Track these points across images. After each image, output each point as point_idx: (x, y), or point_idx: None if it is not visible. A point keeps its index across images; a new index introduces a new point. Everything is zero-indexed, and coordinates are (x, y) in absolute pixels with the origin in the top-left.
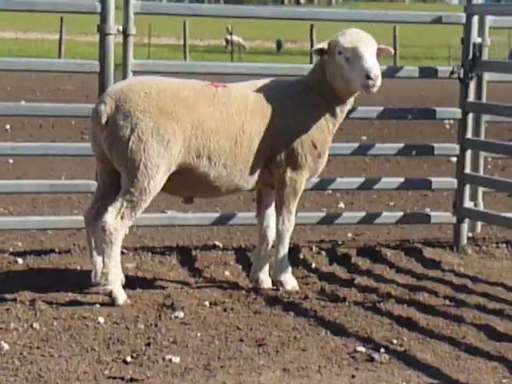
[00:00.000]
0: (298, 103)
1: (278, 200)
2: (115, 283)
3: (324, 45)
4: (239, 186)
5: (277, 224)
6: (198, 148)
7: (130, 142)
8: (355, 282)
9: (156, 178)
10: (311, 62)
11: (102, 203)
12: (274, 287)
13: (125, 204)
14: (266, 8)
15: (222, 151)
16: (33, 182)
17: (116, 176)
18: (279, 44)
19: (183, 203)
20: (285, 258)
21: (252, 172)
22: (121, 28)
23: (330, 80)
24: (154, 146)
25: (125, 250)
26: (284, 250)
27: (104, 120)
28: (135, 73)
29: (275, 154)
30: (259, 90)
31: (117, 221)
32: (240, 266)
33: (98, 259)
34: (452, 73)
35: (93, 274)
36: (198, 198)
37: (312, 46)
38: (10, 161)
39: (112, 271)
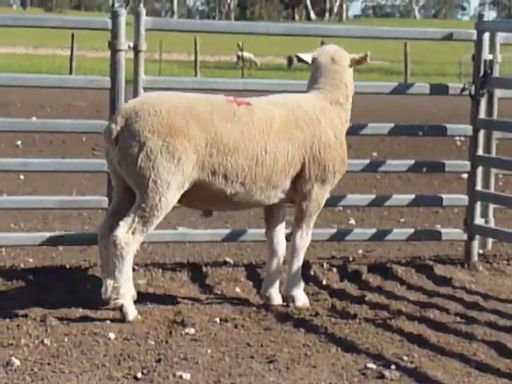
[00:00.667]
0: (329, 119)
1: (300, 214)
2: (126, 298)
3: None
4: (261, 202)
5: (294, 238)
6: (213, 166)
7: (139, 160)
8: (366, 298)
9: (167, 195)
10: None
11: (116, 219)
12: (285, 304)
13: (136, 219)
14: (279, 25)
15: (240, 170)
16: (43, 198)
17: (130, 193)
18: (290, 60)
19: (202, 216)
20: (298, 274)
21: (276, 189)
22: (132, 44)
23: (351, 93)
24: (163, 163)
25: (136, 267)
26: (298, 264)
27: (113, 137)
28: (146, 89)
29: (305, 172)
30: (286, 108)
31: (128, 235)
32: (251, 283)
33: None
34: (463, 89)
35: (103, 289)
36: (217, 211)
37: None
38: (21, 177)
39: (123, 286)
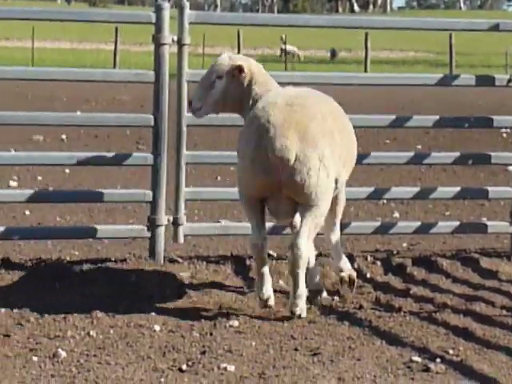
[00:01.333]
0: None
1: (339, 207)
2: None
3: None
4: None
5: (335, 230)
6: (336, 171)
7: (320, 172)
8: (411, 291)
9: (329, 202)
10: (366, 71)
11: (264, 228)
12: (329, 296)
13: (311, 228)
14: (322, 17)
15: (344, 172)
16: (89, 192)
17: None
18: (334, 53)
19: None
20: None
21: None
22: (175, 38)
23: None
24: (331, 171)
25: (180, 260)
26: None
27: (294, 155)
28: (190, 82)
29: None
30: (334, 102)
31: (307, 244)
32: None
33: (268, 282)
34: (509, 81)
35: (261, 293)
36: None
37: (367, 54)
38: (67, 170)
39: (305, 291)
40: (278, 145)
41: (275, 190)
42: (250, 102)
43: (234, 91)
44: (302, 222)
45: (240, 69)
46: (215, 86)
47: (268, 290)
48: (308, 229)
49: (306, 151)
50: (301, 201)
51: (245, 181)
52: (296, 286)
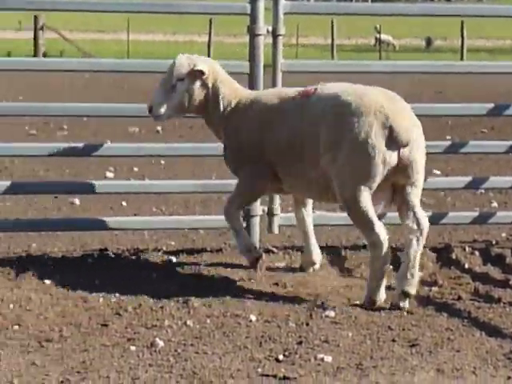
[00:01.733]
0: None
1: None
2: None
3: None
4: None
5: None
6: None
7: (425, 156)
8: (510, 282)
9: None
10: (462, 59)
11: None
12: (426, 287)
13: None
14: (416, 5)
15: None
16: (184, 183)
17: None
18: (429, 41)
19: None
20: None
21: None
22: (270, 28)
23: None
24: None
25: (275, 250)
26: None
27: (414, 135)
28: (284, 73)
29: None
30: None
31: None
32: (390, 267)
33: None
34: None
35: (380, 292)
36: None
37: (463, 43)
38: (162, 162)
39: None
40: (401, 126)
41: (386, 175)
42: (221, 104)
43: (199, 92)
44: (414, 202)
45: (201, 71)
46: (177, 89)
47: (383, 293)
48: (421, 208)
49: (418, 132)
50: (409, 182)
51: (363, 173)
52: (415, 265)
